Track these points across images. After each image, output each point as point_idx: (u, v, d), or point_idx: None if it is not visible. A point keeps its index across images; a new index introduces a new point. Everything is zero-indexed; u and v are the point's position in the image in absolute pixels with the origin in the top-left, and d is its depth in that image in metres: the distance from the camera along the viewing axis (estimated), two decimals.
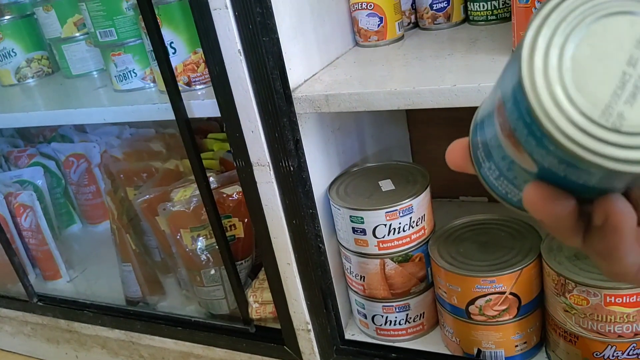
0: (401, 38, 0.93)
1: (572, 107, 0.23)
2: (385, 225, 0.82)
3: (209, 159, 1.16)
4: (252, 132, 0.75)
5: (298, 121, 0.77)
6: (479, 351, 0.83)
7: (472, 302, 0.79)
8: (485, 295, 0.78)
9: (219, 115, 0.78)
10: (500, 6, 0.89)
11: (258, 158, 0.76)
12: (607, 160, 0.23)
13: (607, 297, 0.69)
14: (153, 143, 1.24)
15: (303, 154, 0.78)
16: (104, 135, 1.46)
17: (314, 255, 0.82)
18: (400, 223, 0.82)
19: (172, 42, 0.87)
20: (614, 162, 0.23)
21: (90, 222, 1.50)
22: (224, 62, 0.71)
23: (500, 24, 0.89)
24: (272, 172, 0.77)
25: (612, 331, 0.71)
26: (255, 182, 0.78)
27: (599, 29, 0.23)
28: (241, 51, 0.70)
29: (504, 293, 0.77)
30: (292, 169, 0.76)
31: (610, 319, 0.70)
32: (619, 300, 0.69)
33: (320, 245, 0.83)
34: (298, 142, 0.77)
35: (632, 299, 0.69)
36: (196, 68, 0.90)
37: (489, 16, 0.90)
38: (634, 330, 0.71)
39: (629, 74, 0.23)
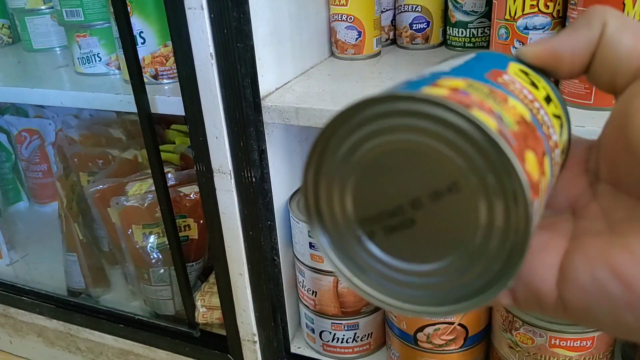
0: (378, 54, 0.91)
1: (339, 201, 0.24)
2: None
3: (169, 152, 1.13)
4: (217, 138, 0.72)
5: (265, 130, 0.75)
6: None
7: (420, 329, 0.79)
8: (434, 324, 0.78)
9: (184, 114, 0.75)
10: (478, 35, 0.89)
11: (220, 165, 0.74)
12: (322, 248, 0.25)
13: (552, 339, 0.70)
14: (113, 129, 1.19)
15: (267, 164, 0.76)
16: (61, 112, 1.40)
17: (268, 267, 0.81)
18: None
19: (141, 32, 0.84)
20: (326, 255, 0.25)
21: (38, 201, 1.44)
22: (194, 64, 0.68)
23: None
24: (233, 181, 0.74)
25: None
26: (214, 189, 0.76)
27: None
28: (213, 55, 0.67)
29: (452, 324, 0.78)
30: (254, 179, 0.74)
31: None
32: (563, 343, 0.70)
33: (275, 257, 0.82)
34: (263, 153, 0.75)
35: (576, 344, 0.70)
36: (165, 61, 0.86)
37: (466, 43, 0.90)
38: None
39: (403, 209, 0.23)
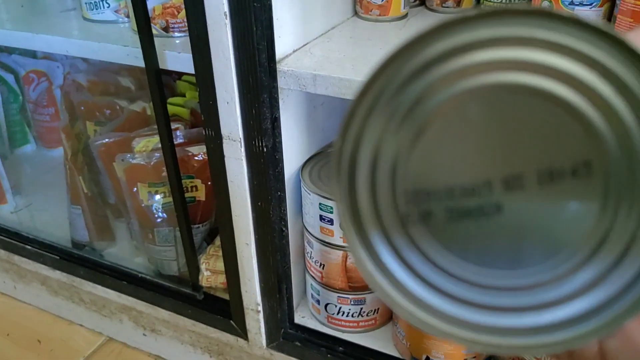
0: (404, 16, 0.85)
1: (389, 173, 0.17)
2: None
3: (178, 105, 1.08)
4: (228, 103, 0.68)
5: (280, 96, 0.70)
6: (427, 359, 0.81)
7: None
8: None
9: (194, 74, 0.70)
10: (517, 1, 0.82)
11: (230, 132, 0.70)
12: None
13: None
14: (122, 77, 1.14)
15: (280, 133, 0.72)
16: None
17: (276, 238, 0.77)
18: None
19: None
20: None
21: (45, 145, 1.41)
22: (206, 23, 0.63)
23: None
24: (243, 149, 0.70)
25: None
26: (223, 156, 0.72)
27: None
28: (227, 14, 0.62)
29: None
30: (265, 148, 0.70)
31: None
32: None
33: (284, 229, 0.79)
34: (276, 121, 0.70)
35: None
36: (177, 13, 0.81)
37: None
38: None
39: (491, 189, 0.16)
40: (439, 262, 0.17)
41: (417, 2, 0.90)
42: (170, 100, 1.08)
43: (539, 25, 0.14)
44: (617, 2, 0.58)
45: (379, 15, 0.83)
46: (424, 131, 0.17)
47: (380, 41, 0.76)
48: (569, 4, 0.60)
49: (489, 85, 0.15)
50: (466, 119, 0.16)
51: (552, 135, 0.15)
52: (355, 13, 0.87)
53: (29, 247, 1.07)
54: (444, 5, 0.87)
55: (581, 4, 0.59)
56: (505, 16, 0.15)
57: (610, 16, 0.60)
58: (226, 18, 0.62)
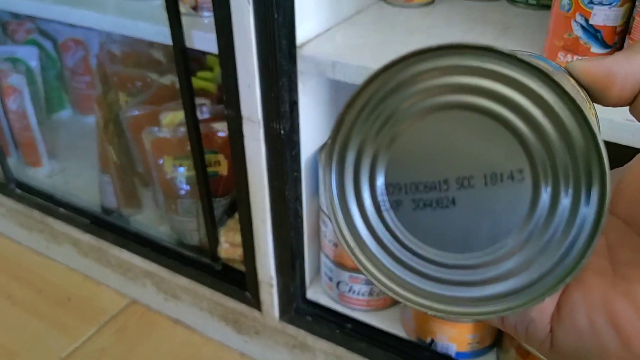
0: (431, 3, 0.85)
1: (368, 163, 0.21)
2: None
3: (206, 79, 1.11)
4: (249, 86, 0.70)
5: (300, 80, 0.72)
6: (432, 341, 0.83)
7: None
8: None
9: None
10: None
11: (249, 113, 0.72)
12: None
13: None
14: (155, 50, 1.17)
15: (297, 116, 0.74)
16: None
17: (291, 217, 0.80)
18: None
19: None
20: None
21: (81, 111, 1.46)
22: (230, 7, 0.65)
23: (539, 12, 0.82)
24: (261, 131, 0.73)
25: None
26: (242, 136, 0.75)
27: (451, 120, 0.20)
28: (250, 1, 0.63)
29: None
30: (282, 131, 0.72)
31: None
32: None
33: (299, 208, 0.81)
34: (294, 104, 0.72)
35: None
36: None
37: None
38: None
39: (447, 186, 0.20)
40: (404, 242, 0.22)
41: None
42: (199, 74, 1.11)
43: (488, 58, 0.19)
44: (637, 3, 0.57)
45: (406, 1, 0.84)
46: (396, 137, 0.21)
47: (402, 28, 0.77)
48: (589, 3, 0.60)
49: (447, 103, 0.20)
50: (429, 129, 0.20)
51: (494, 146, 0.19)
52: None
53: (62, 210, 1.13)
54: None
55: (600, 4, 0.59)
56: (464, 50, 0.19)
57: (629, 17, 0.59)
58: (249, 4, 0.64)
